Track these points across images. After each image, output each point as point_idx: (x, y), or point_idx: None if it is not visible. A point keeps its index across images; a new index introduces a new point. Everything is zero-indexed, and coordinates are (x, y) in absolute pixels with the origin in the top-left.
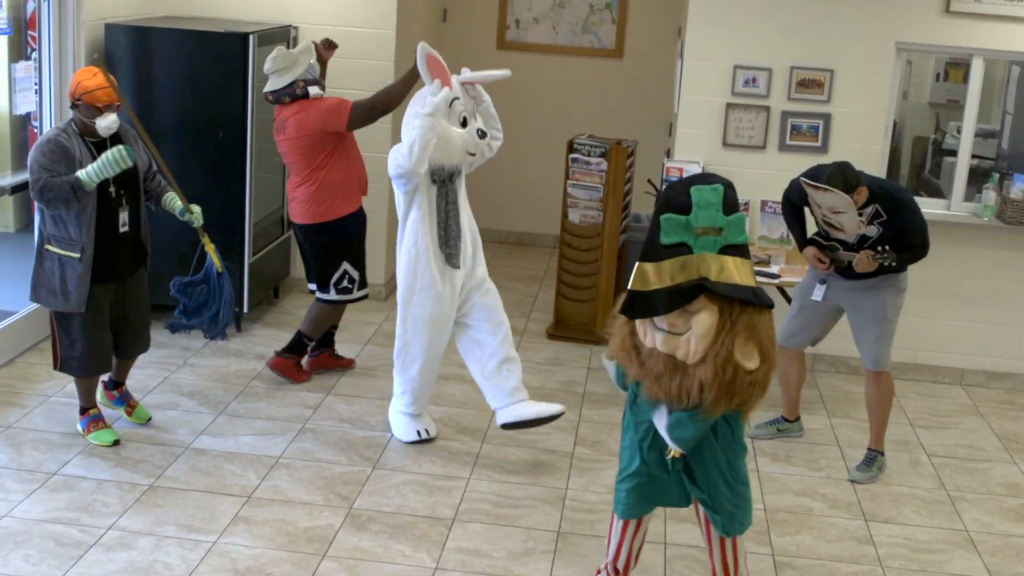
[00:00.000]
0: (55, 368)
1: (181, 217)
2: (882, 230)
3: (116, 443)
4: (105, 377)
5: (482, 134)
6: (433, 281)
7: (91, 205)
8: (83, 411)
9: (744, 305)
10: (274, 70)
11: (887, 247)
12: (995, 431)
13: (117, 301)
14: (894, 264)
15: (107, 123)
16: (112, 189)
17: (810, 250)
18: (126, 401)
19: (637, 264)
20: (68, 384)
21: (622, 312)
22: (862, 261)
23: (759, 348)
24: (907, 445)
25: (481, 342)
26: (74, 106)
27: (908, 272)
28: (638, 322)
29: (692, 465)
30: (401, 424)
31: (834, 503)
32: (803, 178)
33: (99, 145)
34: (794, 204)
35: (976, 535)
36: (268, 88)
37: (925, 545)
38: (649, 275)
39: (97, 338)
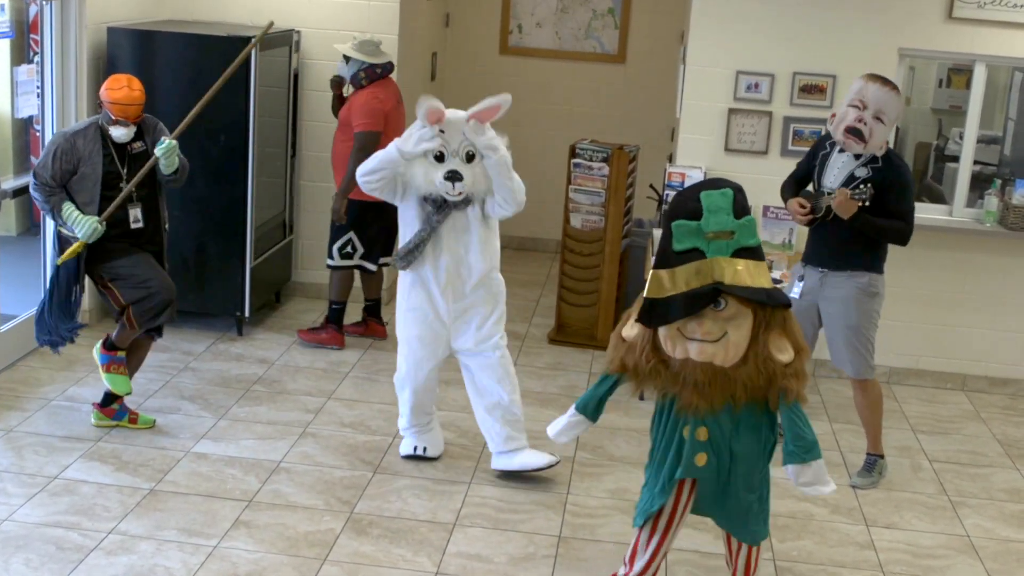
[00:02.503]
0: (136, 328)
1: (159, 150)
2: (871, 174)
3: (123, 407)
4: (99, 399)
5: (452, 175)
6: (417, 303)
7: (93, 199)
8: (111, 347)
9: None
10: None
11: (867, 185)
12: (997, 436)
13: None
14: (867, 203)
15: (118, 133)
16: (125, 182)
17: (793, 200)
18: (126, 414)
19: (651, 271)
20: (70, 388)
21: (639, 321)
22: (840, 196)
23: (792, 340)
24: (909, 450)
25: (480, 388)
26: (100, 106)
27: (884, 276)
28: (663, 337)
29: (730, 480)
30: (403, 439)
31: (835, 508)
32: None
33: (119, 146)
34: (797, 179)
35: (977, 540)
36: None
37: (927, 550)
38: (664, 282)
39: (141, 295)
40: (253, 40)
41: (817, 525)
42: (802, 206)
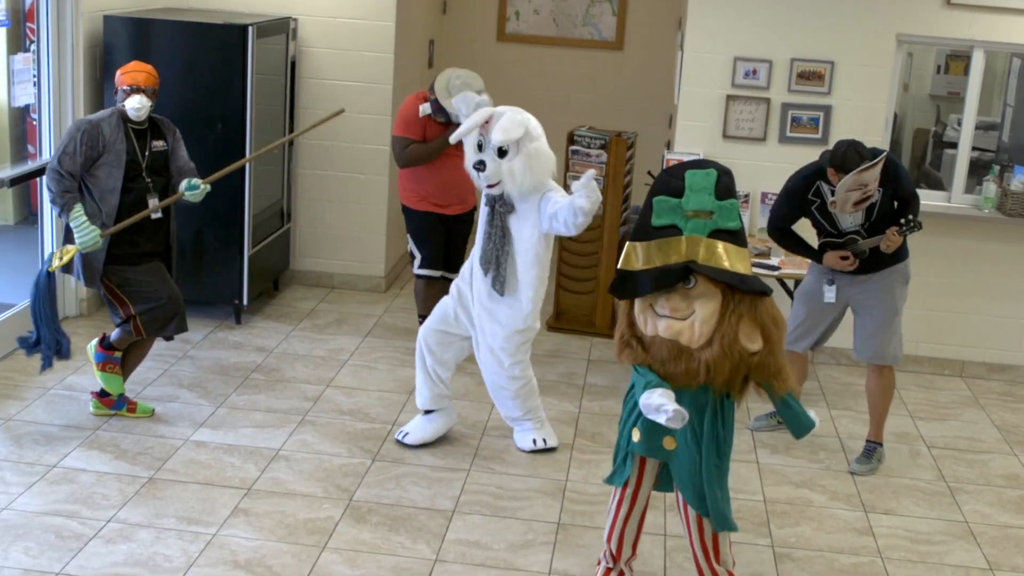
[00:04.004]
0: (144, 335)
1: (189, 193)
2: (882, 190)
3: (121, 397)
4: (97, 389)
5: (478, 165)
6: (458, 286)
7: (116, 187)
8: (109, 347)
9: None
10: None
11: (908, 218)
12: (995, 423)
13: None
14: (919, 228)
15: (132, 103)
16: (145, 174)
17: (830, 255)
18: (125, 404)
19: (627, 243)
20: (68, 376)
21: (610, 291)
22: (891, 240)
23: (762, 330)
24: (907, 437)
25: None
26: (115, 94)
27: (910, 260)
28: (637, 311)
29: (682, 458)
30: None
31: (834, 494)
32: (838, 170)
33: (139, 133)
34: (783, 229)
35: (976, 526)
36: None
37: (925, 536)
38: (638, 255)
39: (148, 300)
40: (319, 121)
41: (815, 511)
42: (844, 258)
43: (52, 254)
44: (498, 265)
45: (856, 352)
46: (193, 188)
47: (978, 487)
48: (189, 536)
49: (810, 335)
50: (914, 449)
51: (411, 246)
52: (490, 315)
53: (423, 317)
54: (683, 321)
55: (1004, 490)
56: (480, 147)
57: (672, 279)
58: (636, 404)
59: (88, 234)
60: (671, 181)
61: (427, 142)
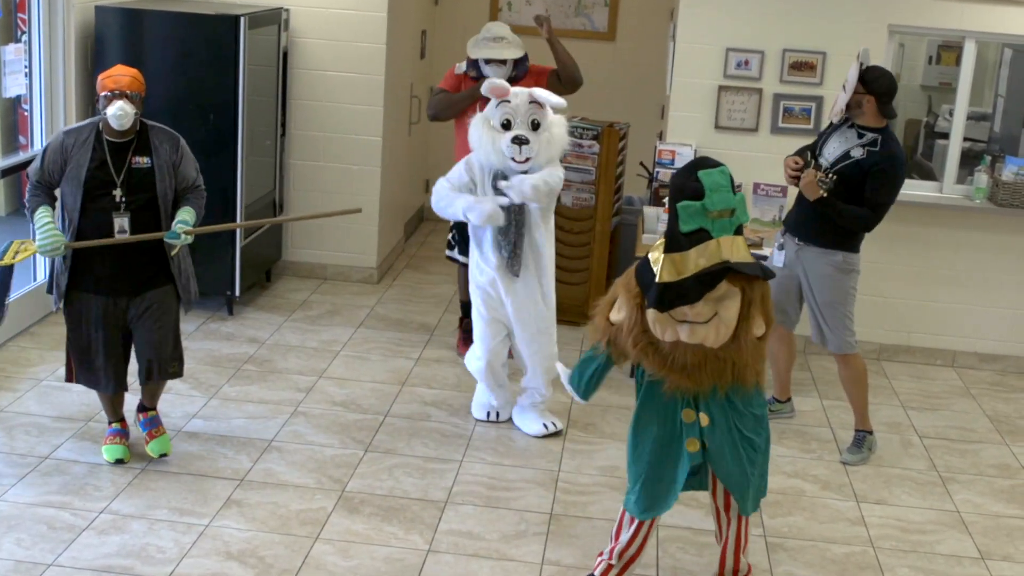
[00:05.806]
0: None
1: (169, 239)
2: (864, 157)
3: (118, 462)
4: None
5: (520, 140)
6: (481, 281)
7: (76, 204)
8: (108, 422)
9: (754, 280)
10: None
11: (832, 176)
12: (986, 412)
13: (135, 319)
14: (825, 194)
15: (112, 110)
16: (118, 192)
17: (791, 156)
18: (150, 428)
19: (664, 256)
20: (60, 368)
21: (654, 307)
22: (806, 177)
23: (765, 316)
24: (899, 427)
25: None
26: (96, 102)
27: (860, 254)
28: (652, 320)
29: (714, 453)
30: (478, 402)
31: (826, 484)
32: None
33: (118, 147)
34: (820, 136)
35: (967, 516)
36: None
37: (916, 526)
38: (677, 265)
39: (82, 348)
40: (332, 213)
41: (808, 501)
42: (796, 163)
43: (10, 244)
44: (516, 244)
45: (813, 339)
46: (173, 236)
47: (969, 477)
48: (182, 527)
49: (779, 308)
50: (905, 439)
51: (453, 233)
52: (531, 282)
53: (464, 304)
54: (706, 324)
55: (995, 480)
56: (507, 125)
57: (714, 281)
58: (653, 440)
59: (48, 237)
60: (688, 184)
61: None
